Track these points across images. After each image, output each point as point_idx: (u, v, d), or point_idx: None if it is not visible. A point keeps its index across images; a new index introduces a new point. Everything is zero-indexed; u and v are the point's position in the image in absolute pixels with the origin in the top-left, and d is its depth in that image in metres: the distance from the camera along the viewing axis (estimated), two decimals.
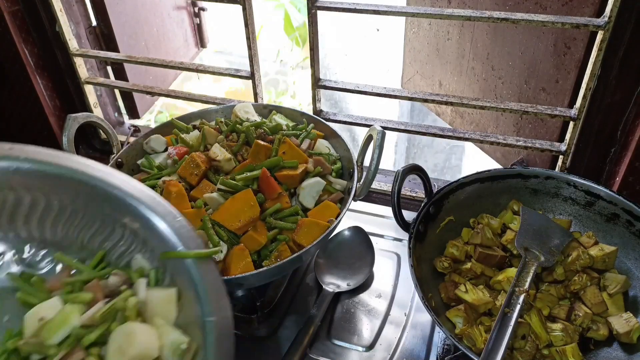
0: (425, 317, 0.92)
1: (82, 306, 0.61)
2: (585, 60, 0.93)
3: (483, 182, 0.93)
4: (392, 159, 2.74)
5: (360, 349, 0.88)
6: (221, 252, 0.81)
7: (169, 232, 0.66)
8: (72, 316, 0.59)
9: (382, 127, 0.90)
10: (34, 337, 0.58)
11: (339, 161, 0.99)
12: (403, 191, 1.17)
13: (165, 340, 0.59)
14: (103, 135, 1.38)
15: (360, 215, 1.12)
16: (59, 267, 0.69)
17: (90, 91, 1.31)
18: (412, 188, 1.19)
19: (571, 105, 0.99)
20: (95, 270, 0.67)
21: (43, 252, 0.70)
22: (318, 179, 0.90)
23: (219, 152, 0.90)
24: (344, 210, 0.86)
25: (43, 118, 1.26)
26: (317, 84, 1.13)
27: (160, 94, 1.28)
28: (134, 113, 1.47)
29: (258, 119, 1.04)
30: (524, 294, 0.74)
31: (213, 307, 0.60)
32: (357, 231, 1.04)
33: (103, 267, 0.68)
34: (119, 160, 0.98)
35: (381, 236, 1.08)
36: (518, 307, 0.72)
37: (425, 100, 1.06)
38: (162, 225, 0.66)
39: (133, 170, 1.00)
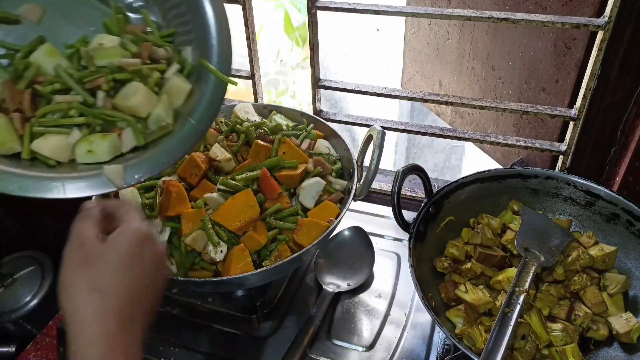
0: (425, 317, 0.92)
1: (129, 54, 0.76)
2: (585, 60, 0.93)
3: (483, 182, 0.93)
4: (392, 159, 2.74)
5: (360, 349, 0.88)
6: (221, 252, 0.81)
7: (216, 48, 0.79)
8: (117, 55, 0.74)
9: (382, 127, 0.90)
10: (90, 51, 0.75)
11: (339, 161, 0.99)
12: (403, 191, 1.17)
13: (155, 110, 0.73)
14: None
15: (360, 215, 1.12)
16: (139, 19, 0.83)
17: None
18: (412, 188, 1.19)
19: (571, 105, 0.99)
20: (158, 37, 0.80)
21: (139, 2, 0.84)
22: (318, 179, 0.90)
23: (219, 152, 0.90)
24: (344, 210, 0.86)
25: None
26: (317, 84, 1.13)
27: None
28: None
29: (258, 119, 1.04)
30: (524, 294, 0.74)
31: (200, 116, 0.74)
32: (357, 231, 1.04)
33: (167, 41, 0.81)
34: None
35: (381, 236, 1.08)
36: (518, 307, 0.72)
37: (425, 100, 1.06)
38: (214, 40, 0.79)
39: None
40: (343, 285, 0.96)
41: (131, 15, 0.83)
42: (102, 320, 0.51)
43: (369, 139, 0.92)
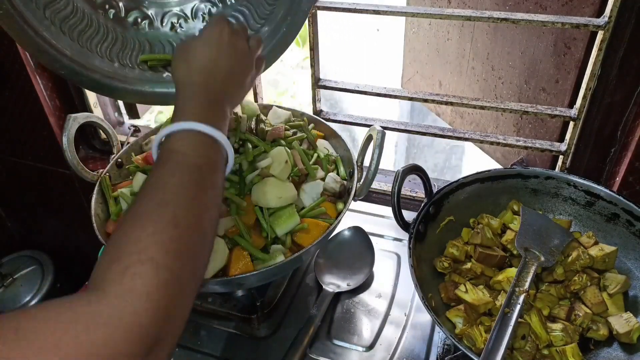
0: (425, 317, 0.92)
1: None
2: (585, 60, 0.93)
3: (483, 182, 0.93)
4: (392, 159, 2.74)
5: (360, 349, 0.88)
6: None
7: None
8: None
9: (382, 127, 0.89)
10: None
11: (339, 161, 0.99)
12: (403, 191, 1.16)
13: None
14: (103, 136, 1.38)
15: (360, 215, 1.12)
16: None
17: (90, 91, 1.31)
18: (412, 188, 1.19)
19: (571, 105, 0.99)
20: None
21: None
22: (318, 181, 0.90)
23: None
24: (344, 210, 0.86)
25: (43, 118, 1.26)
26: (317, 84, 1.13)
27: None
28: (133, 113, 1.46)
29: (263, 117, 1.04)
30: (524, 294, 0.74)
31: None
32: (357, 231, 1.04)
33: None
34: (119, 160, 0.98)
35: (381, 236, 1.08)
36: (518, 307, 0.72)
37: (425, 100, 1.06)
38: None
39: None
40: (343, 285, 0.96)
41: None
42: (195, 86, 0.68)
43: (369, 139, 0.92)
